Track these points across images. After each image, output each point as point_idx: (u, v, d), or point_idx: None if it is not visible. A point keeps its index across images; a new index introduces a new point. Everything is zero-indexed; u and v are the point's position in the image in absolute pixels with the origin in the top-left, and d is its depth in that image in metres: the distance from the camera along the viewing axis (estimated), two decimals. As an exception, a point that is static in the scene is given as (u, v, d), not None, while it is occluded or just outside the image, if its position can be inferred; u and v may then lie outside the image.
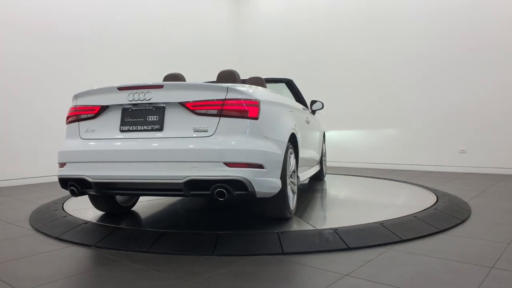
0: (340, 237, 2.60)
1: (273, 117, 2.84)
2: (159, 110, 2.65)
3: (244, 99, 2.57)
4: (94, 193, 2.79)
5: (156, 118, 2.64)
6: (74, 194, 2.82)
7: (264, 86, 3.65)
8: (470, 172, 6.54)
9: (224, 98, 2.54)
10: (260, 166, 2.54)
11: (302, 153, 3.56)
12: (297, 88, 4.73)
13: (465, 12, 6.64)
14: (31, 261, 2.47)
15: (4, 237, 3.00)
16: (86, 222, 3.16)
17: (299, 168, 3.44)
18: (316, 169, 4.76)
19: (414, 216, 3.09)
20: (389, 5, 7.46)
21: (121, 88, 2.73)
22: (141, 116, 2.68)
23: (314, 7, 8.44)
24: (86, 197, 4.30)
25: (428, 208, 3.40)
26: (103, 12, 7.05)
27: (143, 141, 2.62)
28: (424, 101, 7.08)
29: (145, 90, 2.66)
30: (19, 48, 6.01)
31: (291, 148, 3.06)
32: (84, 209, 3.70)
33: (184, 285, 2.01)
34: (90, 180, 2.67)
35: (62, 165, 2.83)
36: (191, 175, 2.45)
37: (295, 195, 3.23)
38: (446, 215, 3.24)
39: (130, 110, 2.72)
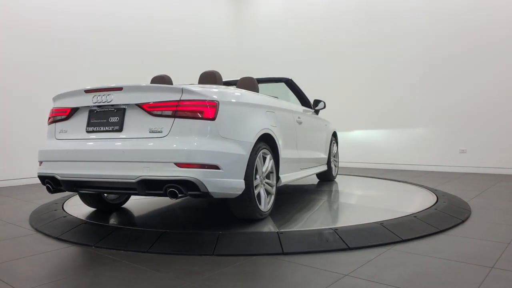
0: (340, 237, 2.60)
1: (237, 117, 2.83)
2: (120, 111, 2.74)
3: (199, 100, 2.61)
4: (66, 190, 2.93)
5: (117, 119, 2.74)
6: (49, 191, 2.97)
7: (256, 86, 3.70)
8: (470, 172, 6.54)
9: (178, 99, 2.59)
10: (215, 167, 2.56)
11: (286, 154, 3.51)
12: (298, 88, 4.68)
13: (465, 13, 6.64)
14: (31, 261, 2.47)
15: (4, 237, 3.00)
16: (86, 222, 3.16)
17: (284, 169, 3.42)
18: (318, 169, 4.69)
19: (414, 216, 3.09)
20: (389, 5, 7.46)
21: (87, 91, 2.85)
22: (104, 117, 2.79)
23: (313, 7, 8.44)
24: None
25: (428, 208, 3.40)
26: (103, 12, 7.05)
27: (103, 142, 2.74)
28: (424, 101, 7.08)
29: (107, 93, 2.76)
30: (19, 48, 6.01)
31: (264, 148, 3.06)
32: (84, 209, 3.70)
33: (184, 285, 2.01)
34: (59, 178, 2.82)
35: (40, 163, 3.01)
36: (143, 175, 2.52)
37: (272, 196, 3.22)
38: (446, 215, 3.24)
39: (95, 111, 2.84)
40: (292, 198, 4.16)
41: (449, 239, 2.71)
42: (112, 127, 2.75)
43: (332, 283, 1.98)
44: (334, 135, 5.46)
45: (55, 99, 3.11)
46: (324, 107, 4.84)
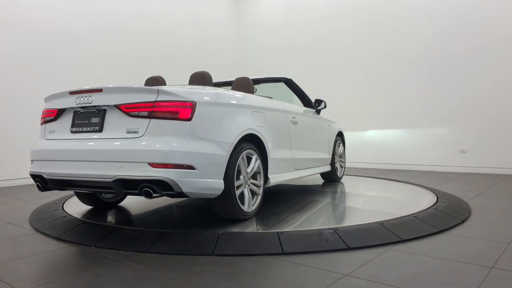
0: (340, 237, 2.60)
1: (215, 118, 2.84)
2: (100, 112, 2.82)
3: (175, 100, 2.64)
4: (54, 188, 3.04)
5: (98, 120, 2.83)
6: (39, 188, 3.08)
7: (251, 87, 3.72)
8: (470, 172, 6.54)
9: (154, 100, 2.63)
10: (190, 167, 2.58)
11: (277, 154, 3.51)
12: (298, 87, 4.64)
13: (465, 13, 6.63)
14: (31, 261, 2.47)
15: (4, 237, 3.00)
16: (86, 222, 3.16)
17: (274, 169, 3.41)
18: (319, 170, 4.64)
19: (414, 216, 3.09)
20: (389, 5, 7.46)
21: (71, 93, 2.93)
22: (86, 118, 2.88)
23: (314, 7, 8.44)
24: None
25: (428, 208, 3.40)
26: (103, 12, 7.05)
27: (84, 142, 2.83)
28: (424, 101, 7.08)
29: (89, 94, 2.85)
30: (19, 48, 6.01)
31: (249, 149, 3.08)
32: (84, 210, 3.71)
33: (184, 285, 2.01)
34: (45, 176, 2.94)
35: (31, 162, 3.13)
36: (119, 174, 2.58)
37: (258, 197, 3.22)
38: (446, 215, 3.24)
39: (79, 113, 2.94)
40: (293, 198, 4.16)
41: (449, 239, 2.71)
42: (93, 127, 2.83)
43: (332, 283, 1.98)
44: (340, 135, 5.40)
45: (46, 100, 3.20)
46: (325, 107, 4.78)
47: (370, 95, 7.70)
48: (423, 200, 3.80)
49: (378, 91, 7.62)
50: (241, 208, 2.98)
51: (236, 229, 2.86)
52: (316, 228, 2.80)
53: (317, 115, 4.75)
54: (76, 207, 3.80)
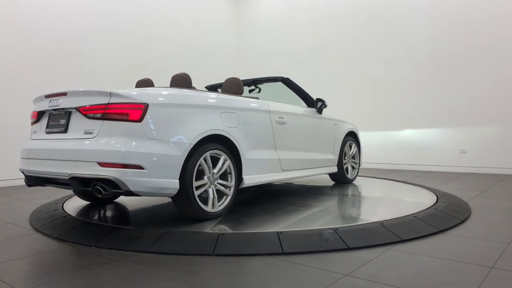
0: (340, 237, 2.60)
1: (170, 119, 2.89)
2: (66, 114, 3.03)
3: (126, 103, 2.75)
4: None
5: (64, 121, 3.03)
6: (26, 184, 3.31)
7: (240, 87, 3.76)
8: (470, 172, 6.54)
9: (107, 102, 2.77)
10: (138, 167, 2.67)
11: (255, 155, 3.50)
12: (297, 86, 4.54)
13: (465, 13, 6.64)
14: (31, 261, 2.47)
15: (4, 237, 3.00)
16: (86, 222, 3.16)
17: (250, 170, 3.41)
18: (320, 171, 4.53)
19: (414, 216, 3.09)
20: (389, 5, 7.46)
21: (46, 96, 3.17)
22: (56, 120, 3.10)
23: (314, 7, 8.45)
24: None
25: (428, 208, 3.40)
26: (102, 12, 7.05)
27: (53, 142, 3.05)
28: (424, 101, 7.09)
29: (57, 97, 3.06)
30: (20, 48, 6.01)
31: (215, 149, 3.11)
32: (84, 209, 3.71)
33: (184, 285, 2.01)
34: (26, 173, 3.19)
35: (20, 160, 3.36)
36: (73, 172, 2.77)
37: (228, 197, 3.24)
38: (446, 215, 3.24)
39: (52, 115, 3.16)
40: (293, 198, 4.16)
41: (449, 239, 2.71)
42: (60, 128, 3.03)
43: (332, 283, 1.98)
44: (352, 135, 5.23)
45: (33, 102, 3.41)
46: (325, 106, 4.64)
47: (370, 95, 7.70)
48: (423, 200, 3.80)
49: (377, 92, 7.62)
50: (201, 208, 3.00)
51: (236, 229, 2.86)
52: (316, 228, 2.80)
53: (319, 115, 4.60)
54: (76, 207, 3.80)
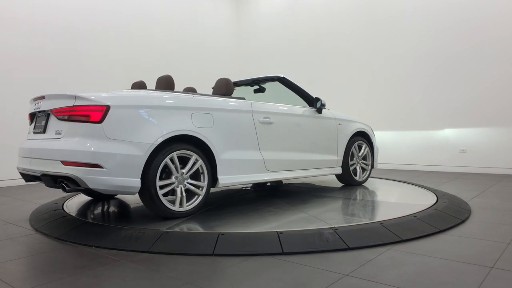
0: (340, 237, 2.60)
1: (133, 120, 2.98)
2: (46, 116, 3.24)
3: (88, 105, 2.91)
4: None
5: (44, 122, 3.25)
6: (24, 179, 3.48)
7: (229, 88, 3.79)
8: (470, 172, 6.54)
9: (72, 105, 2.95)
10: (97, 166, 2.81)
11: (233, 155, 3.51)
12: (295, 85, 4.44)
13: (466, 13, 6.63)
14: (31, 261, 2.47)
15: (4, 237, 3.00)
16: (86, 222, 3.16)
17: (227, 170, 3.44)
18: (318, 172, 4.42)
19: (414, 216, 3.09)
20: (389, 4, 7.46)
21: (34, 99, 3.43)
22: (40, 121, 3.32)
23: (314, 6, 8.44)
24: (86, 198, 4.32)
25: (428, 208, 3.40)
26: (102, 11, 7.05)
27: (34, 141, 3.27)
28: (424, 101, 7.09)
29: (39, 101, 3.31)
30: (21, 48, 6.01)
31: (183, 149, 3.16)
32: (84, 209, 3.71)
33: (184, 285, 2.01)
34: (18, 170, 3.40)
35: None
36: (43, 170, 3.00)
37: (199, 197, 3.29)
38: (446, 215, 3.24)
39: (38, 116, 3.38)
40: (293, 198, 4.16)
41: (449, 239, 2.71)
42: (41, 129, 3.26)
43: (332, 283, 1.98)
44: (363, 135, 5.02)
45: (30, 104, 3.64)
46: (322, 105, 4.48)
47: (370, 95, 7.70)
48: (423, 200, 3.80)
49: (377, 92, 7.62)
50: (165, 207, 3.07)
51: (236, 229, 2.86)
52: (316, 228, 2.80)
53: (318, 114, 4.47)
54: (76, 207, 3.80)
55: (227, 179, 3.46)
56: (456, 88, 6.75)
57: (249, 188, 4.93)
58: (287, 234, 2.66)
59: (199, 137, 3.27)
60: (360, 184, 4.93)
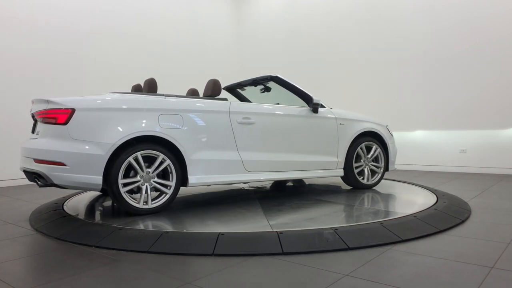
0: (340, 237, 2.60)
1: (97, 122, 3.20)
2: (35, 119, 3.52)
3: (56, 108, 3.17)
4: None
5: (34, 124, 3.56)
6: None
7: (217, 88, 3.83)
8: (470, 172, 6.54)
9: (46, 108, 3.22)
10: (60, 163, 3.08)
11: (207, 156, 3.55)
12: (289, 83, 4.30)
13: (466, 13, 6.63)
14: (31, 261, 2.47)
15: (4, 237, 3.00)
16: (86, 222, 3.17)
17: (198, 170, 3.51)
18: (311, 174, 4.25)
19: (414, 216, 3.09)
20: (389, 3, 7.46)
21: (32, 102, 3.58)
22: (34, 123, 3.58)
23: (314, 6, 8.44)
24: (86, 197, 4.32)
25: (428, 208, 3.40)
26: (102, 14, 7.05)
27: (27, 141, 3.49)
28: (424, 101, 7.09)
29: (32, 104, 3.55)
30: (22, 48, 6.01)
31: (149, 149, 3.30)
32: (84, 209, 3.71)
33: (184, 285, 2.01)
34: (21, 169, 3.49)
35: None
36: (24, 166, 3.37)
37: (166, 195, 3.40)
38: (446, 215, 3.24)
39: (33, 118, 3.60)
40: (293, 198, 4.16)
41: (449, 239, 2.71)
42: (33, 130, 3.56)
43: (332, 283, 1.98)
44: (373, 135, 4.66)
45: None
46: (317, 104, 4.25)
47: (370, 95, 7.70)
48: (423, 200, 3.80)
49: (377, 92, 7.62)
50: (128, 203, 3.24)
51: (236, 229, 2.86)
52: (316, 228, 2.80)
53: (314, 114, 4.27)
54: (76, 207, 3.80)
55: (199, 178, 3.54)
56: (456, 88, 6.74)
57: (269, 188, 4.93)
58: (287, 234, 2.66)
59: (165, 137, 3.37)
60: (368, 187, 4.61)
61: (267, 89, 4.58)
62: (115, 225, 3.01)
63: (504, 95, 6.30)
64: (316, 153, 4.28)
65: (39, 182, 3.23)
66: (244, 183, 4.52)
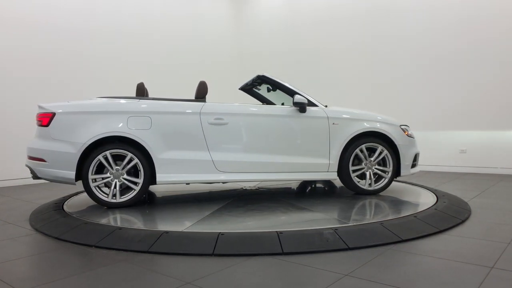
0: (340, 237, 2.60)
1: (72, 124, 3.62)
2: None
3: (42, 112, 3.67)
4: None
5: None
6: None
7: (203, 89, 3.94)
8: (470, 172, 6.54)
9: (38, 112, 3.72)
10: (41, 160, 3.59)
11: (175, 155, 3.72)
12: (276, 81, 4.22)
13: (466, 12, 6.63)
14: (31, 261, 2.47)
15: (4, 237, 3.00)
16: (86, 222, 3.16)
17: (166, 169, 3.69)
18: (300, 176, 4.09)
19: (414, 216, 3.09)
20: (389, 4, 7.45)
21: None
22: None
23: (314, 6, 8.44)
24: (86, 198, 4.31)
25: (428, 208, 3.40)
26: (102, 10, 7.05)
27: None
28: (424, 101, 7.08)
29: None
30: (22, 48, 6.01)
31: (119, 149, 3.61)
32: (84, 209, 3.71)
33: (184, 285, 2.01)
34: (26, 165, 3.82)
35: None
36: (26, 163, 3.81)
37: (134, 192, 3.68)
38: (446, 215, 3.24)
39: None
40: (293, 198, 4.16)
41: (449, 239, 2.71)
42: None
43: (332, 283, 1.98)
44: (378, 135, 4.22)
45: None
46: (298, 104, 3.99)
47: (369, 95, 7.69)
48: (423, 200, 3.80)
49: (377, 90, 7.61)
50: (97, 197, 3.62)
51: (236, 229, 2.86)
52: (316, 228, 2.80)
53: (301, 114, 4.03)
54: (76, 207, 3.80)
55: (167, 177, 3.74)
56: (457, 88, 6.74)
57: (271, 188, 4.91)
58: (287, 234, 2.66)
59: (132, 138, 3.64)
60: (371, 193, 4.18)
61: (274, 89, 4.60)
62: (115, 225, 3.02)
63: (505, 95, 6.30)
64: (302, 154, 4.05)
65: (32, 175, 3.71)
66: (242, 183, 4.54)
